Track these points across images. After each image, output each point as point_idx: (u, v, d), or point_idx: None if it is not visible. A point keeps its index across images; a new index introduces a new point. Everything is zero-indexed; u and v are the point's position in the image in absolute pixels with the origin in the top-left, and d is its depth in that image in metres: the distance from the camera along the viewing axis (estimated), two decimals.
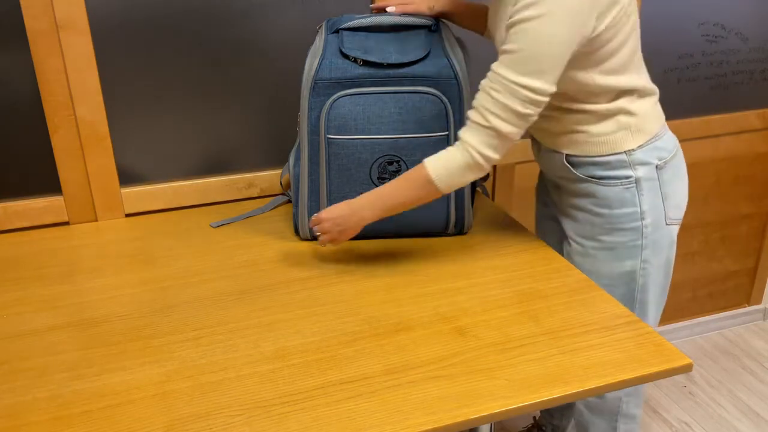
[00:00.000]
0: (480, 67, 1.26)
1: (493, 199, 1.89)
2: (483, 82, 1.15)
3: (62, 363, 1.05)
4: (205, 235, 1.45)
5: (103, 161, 1.50)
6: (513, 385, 1.00)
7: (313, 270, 1.31)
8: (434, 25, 1.35)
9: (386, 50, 1.29)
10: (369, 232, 1.36)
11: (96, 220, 1.54)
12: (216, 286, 1.26)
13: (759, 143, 2.17)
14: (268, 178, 1.63)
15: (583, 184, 1.31)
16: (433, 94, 1.30)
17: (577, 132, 1.27)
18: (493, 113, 1.13)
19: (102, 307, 1.20)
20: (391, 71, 1.29)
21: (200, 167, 1.59)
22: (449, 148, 1.19)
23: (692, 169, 2.12)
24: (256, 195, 1.64)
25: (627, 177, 1.27)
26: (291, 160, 1.41)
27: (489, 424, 1.23)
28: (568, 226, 1.39)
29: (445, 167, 1.17)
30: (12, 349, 1.09)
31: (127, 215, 1.56)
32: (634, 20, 1.20)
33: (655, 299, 1.38)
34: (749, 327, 2.47)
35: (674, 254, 1.36)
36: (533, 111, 1.14)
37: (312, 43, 1.34)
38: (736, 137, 2.13)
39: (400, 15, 1.35)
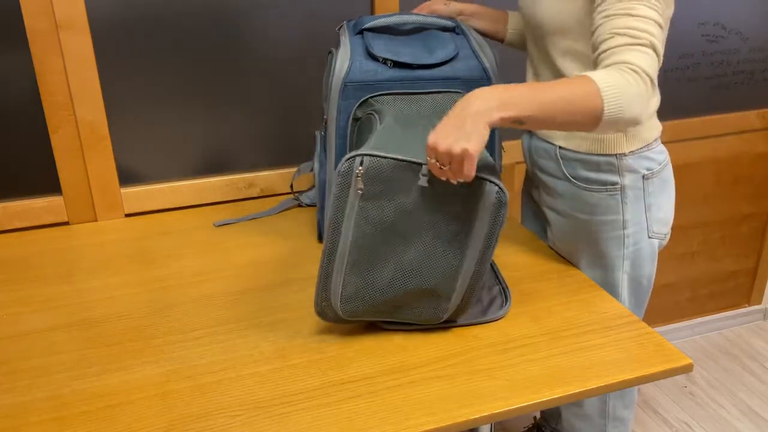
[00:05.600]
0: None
1: None
2: (601, 14, 1.04)
3: (62, 363, 1.05)
4: (205, 235, 1.45)
5: (103, 161, 1.50)
6: (513, 386, 0.99)
7: (313, 270, 1.31)
8: (457, 27, 1.32)
9: (415, 51, 1.26)
10: None
11: (96, 220, 1.54)
12: (216, 286, 1.26)
13: (759, 143, 2.17)
14: (268, 177, 1.63)
15: (568, 185, 1.29)
16: (463, 94, 1.25)
17: None
18: (642, 30, 1.01)
19: (102, 307, 1.20)
20: (422, 73, 1.25)
21: (200, 167, 1.59)
22: (610, 71, 0.99)
23: (692, 169, 2.12)
24: (256, 195, 1.64)
25: (613, 183, 1.25)
26: (315, 165, 1.37)
27: (489, 425, 1.23)
28: (551, 230, 1.38)
29: (617, 83, 0.97)
30: (12, 349, 1.09)
31: (127, 215, 1.56)
32: (669, 14, 1.16)
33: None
34: (749, 327, 2.47)
35: (655, 270, 1.33)
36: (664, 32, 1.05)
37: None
38: (736, 137, 2.13)
39: (422, 14, 1.32)
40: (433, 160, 0.95)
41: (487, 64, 1.27)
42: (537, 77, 1.31)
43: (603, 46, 1.03)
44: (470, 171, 0.93)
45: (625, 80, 0.98)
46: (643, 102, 0.99)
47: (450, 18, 1.36)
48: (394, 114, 1.18)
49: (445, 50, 1.27)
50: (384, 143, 1.04)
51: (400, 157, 0.99)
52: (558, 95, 0.96)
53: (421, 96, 1.24)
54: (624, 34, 1.01)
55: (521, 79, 1.40)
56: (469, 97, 0.95)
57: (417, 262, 1.04)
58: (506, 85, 0.96)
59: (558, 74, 1.24)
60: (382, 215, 1.01)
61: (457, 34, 1.32)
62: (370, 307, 1.07)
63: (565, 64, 1.21)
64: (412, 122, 1.15)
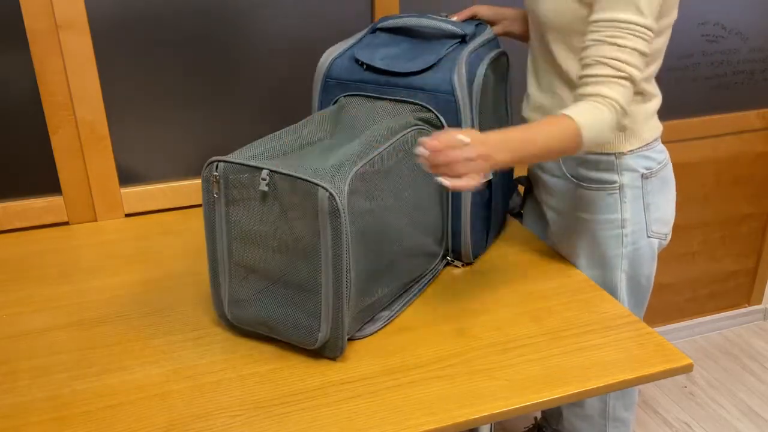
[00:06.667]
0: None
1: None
2: (591, 36, 1.09)
3: (62, 363, 1.05)
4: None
5: (102, 161, 1.50)
6: (513, 386, 0.99)
7: None
8: (468, 36, 1.27)
9: (397, 57, 1.25)
10: None
11: (96, 220, 1.54)
12: None
13: (759, 143, 2.17)
14: None
15: (567, 184, 1.30)
16: (424, 107, 1.22)
17: None
18: (624, 61, 1.07)
19: (102, 307, 1.20)
20: (395, 79, 1.24)
21: (200, 167, 1.59)
22: (589, 104, 1.08)
23: (692, 169, 2.12)
24: None
25: (612, 182, 1.25)
26: None
27: (489, 425, 1.23)
28: (551, 229, 1.38)
29: (594, 123, 1.06)
30: (12, 349, 1.09)
31: (127, 215, 1.56)
32: (673, 18, 1.18)
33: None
34: (749, 327, 2.47)
35: (654, 270, 1.33)
36: (649, 53, 1.10)
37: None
38: (736, 137, 2.13)
39: (442, 20, 1.29)
40: (450, 151, 0.95)
41: (455, 79, 1.20)
42: (536, 74, 1.31)
43: (587, 71, 1.10)
44: (481, 169, 0.98)
45: (602, 115, 1.07)
46: (614, 130, 1.10)
47: (481, 22, 1.34)
48: (329, 117, 1.19)
49: (425, 59, 1.23)
50: (259, 148, 1.05)
51: (244, 162, 1.00)
52: (545, 142, 1.05)
53: (377, 101, 1.24)
54: (607, 65, 1.08)
55: (522, 76, 1.39)
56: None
57: (278, 273, 1.02)
58: (504, 134, 1.03)
59: (557, 71, 1.24)
60: (243, 221, 1.02)
61: (465, 43, 1.26)
62: (250, 316, 1.07)
63: (567, 62, 1.22)
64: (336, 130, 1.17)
